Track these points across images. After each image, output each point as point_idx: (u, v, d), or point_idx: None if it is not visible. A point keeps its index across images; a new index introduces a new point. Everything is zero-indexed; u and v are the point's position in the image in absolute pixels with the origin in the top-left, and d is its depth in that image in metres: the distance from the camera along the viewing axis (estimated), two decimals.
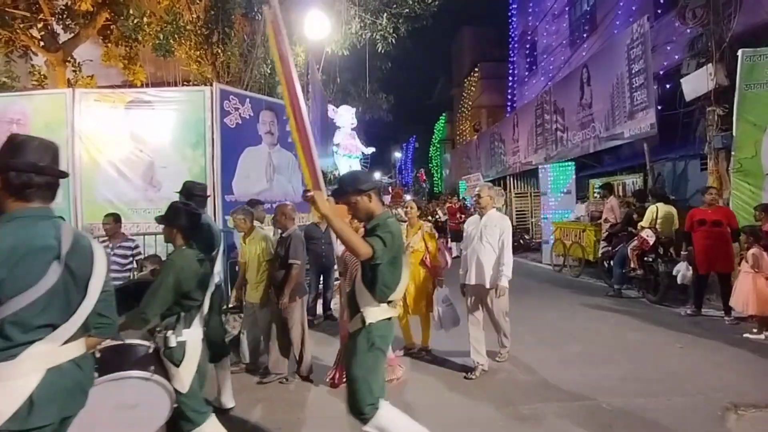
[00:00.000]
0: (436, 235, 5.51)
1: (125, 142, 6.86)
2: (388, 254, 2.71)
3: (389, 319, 2.87)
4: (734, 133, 7.16)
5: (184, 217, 3.11)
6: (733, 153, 7.21)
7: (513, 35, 23.92)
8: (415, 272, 5.14)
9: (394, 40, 11.96)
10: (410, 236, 5.22)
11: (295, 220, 4.92)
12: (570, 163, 12.48)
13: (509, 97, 24.06)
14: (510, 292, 4.60)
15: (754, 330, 5.73)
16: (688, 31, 8.58)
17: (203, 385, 3.08)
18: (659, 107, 9.37)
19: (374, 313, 2.79)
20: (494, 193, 4.92)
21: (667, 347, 5.44)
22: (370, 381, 2.75)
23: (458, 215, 14.25)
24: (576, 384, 4.44)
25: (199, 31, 8.81)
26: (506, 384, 4.53)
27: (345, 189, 2.85)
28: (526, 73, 22.10)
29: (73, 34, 9.16)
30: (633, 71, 9.66)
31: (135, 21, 8.40)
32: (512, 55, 23.99)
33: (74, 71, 9.39)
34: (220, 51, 8.85)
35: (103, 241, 5.67)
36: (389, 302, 2.86)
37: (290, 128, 2.98)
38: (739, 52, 7.10)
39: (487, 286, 4.66)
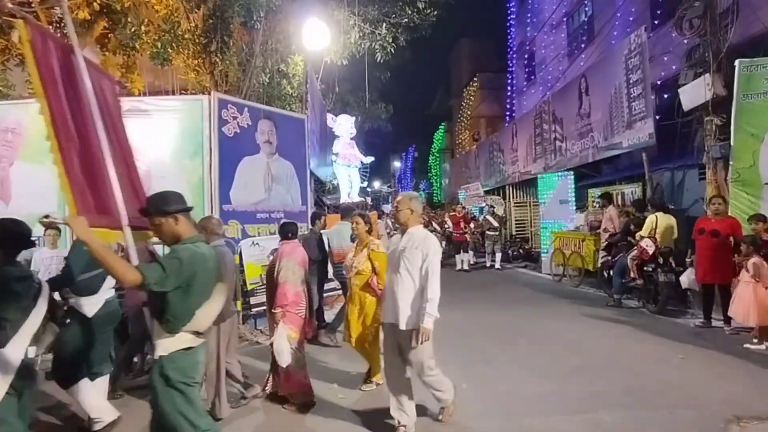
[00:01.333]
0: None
1: None
2: (173, 282, 2.50)
3: (188, 349, 2.63)
4: (732, 143, 7.16)
5: (4, 233, 3.01)
6: (731, 163, 7.19)
7: (511, 46, 24.07)
8: (359, 297, 4.59)
9: (393, 50, 12.01)
10: (357, 255, 4.61)
11: (220, 234, 4.39)
12: (568, 172, 12.49)
13: (508, 107, 24.18)
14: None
15: (755, 340, 5.68)
16: (686, 41, 8.59)
17: (24, 412, 2.88)
18: (657, 117, 9.37)
19: (167, 344, 2.60)
20: (417, 204, 3.83)
21: (668, 358, 5.39)
22: (183, 419, 2.56)
23: (462, 225, 14.07)
24: (577, 396, 4.39)
25: (197, 40, 8.82)
26: (507, 396, 4.47)
27: (149, 209, 2.69)
28: (525, 84, 22.22)
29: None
30: (631, 81, 9.68)
31: (133, 29, 8.41)
32: (511, 65, 24.14)
33: None
34: (218, 60, 8.86)
35: None
36: (196, 333, 2.66)
37: (51, 150, 2.80)
38: (737, 63, 7.11)
39: (402, 327, 3.63)
